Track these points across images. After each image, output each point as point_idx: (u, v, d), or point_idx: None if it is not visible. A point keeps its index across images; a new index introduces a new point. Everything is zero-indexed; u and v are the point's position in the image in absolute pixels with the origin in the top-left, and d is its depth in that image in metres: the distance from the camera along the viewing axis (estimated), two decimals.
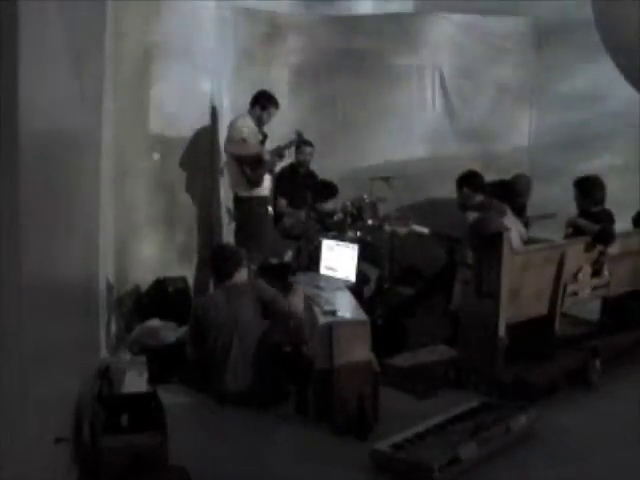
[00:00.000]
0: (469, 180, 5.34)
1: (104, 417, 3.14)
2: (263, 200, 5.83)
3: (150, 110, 5.27)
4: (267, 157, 5.63)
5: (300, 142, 6.34)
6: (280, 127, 5.95)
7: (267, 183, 5.80)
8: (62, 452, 2.71)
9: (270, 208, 6.04)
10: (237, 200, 5.77)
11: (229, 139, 5.56)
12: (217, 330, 4.21)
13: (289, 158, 6.36)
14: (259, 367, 4.18)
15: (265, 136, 5.74)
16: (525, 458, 3.58)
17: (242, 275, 4.45)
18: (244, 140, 5.54)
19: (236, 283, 4.37)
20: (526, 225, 5.41)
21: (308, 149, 6.41)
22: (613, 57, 5.37)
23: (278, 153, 5.80)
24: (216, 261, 4.53)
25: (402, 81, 7.00)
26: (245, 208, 5.72)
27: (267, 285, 4.42)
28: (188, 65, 5.60)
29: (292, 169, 6.51)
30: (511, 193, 5.74)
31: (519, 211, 5.61)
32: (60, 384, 2.77)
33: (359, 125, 6.98)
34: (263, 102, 5.67)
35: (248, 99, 5.72)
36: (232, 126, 5.61)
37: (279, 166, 6.23)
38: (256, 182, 5.63)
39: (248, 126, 5.63)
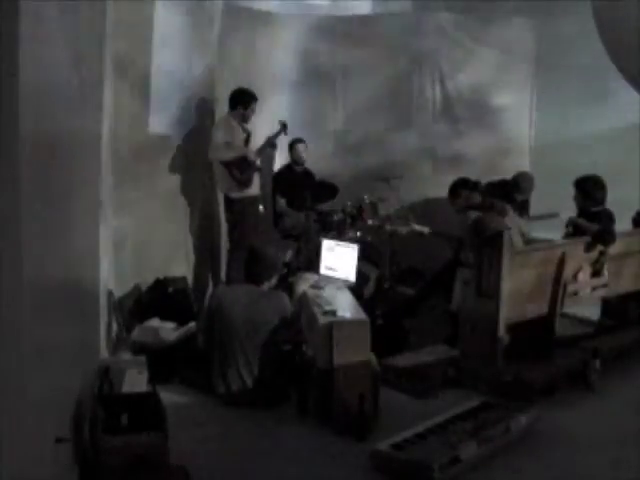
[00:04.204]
0: (465, 183, 5.41)
1: (104, 417, 3.13)
2: (254, 200, 5.85)
3: (150, 110, 5.26)
4: (252, 157, 5.64)
5: (294, 140, 6.37)
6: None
7: (256, 182, 5.81)
8: (62, 452, 2.71)
9: (262, 207, 6.06)
10: (228, 201, 5.78)
11: (212, 145, 5.57)
12: (228, 327, 4.21)
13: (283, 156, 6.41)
14: (262, 368, 4.18)
15: (249, 134, 5.75)
16: (525, 458, 3.58)
17: (272, 282, 4.48)
18: (228, 143, 5.54)
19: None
20: (528, 222, 5.42)
21: (301, 146, 6.43)
22: (614, 58, 5.37)
23: (270, 143, 5.83)
24: (253, 266, 4.49)
25: (402, 81, 7.00)
26: (237, 209, 5.73)
27: (288, 300, 4.41)
28: (189, 64, 5.60)
29: (289, 168, 6.52)
30: (513, 191, 5.75)
31: (521, 209, 5.61)
32: (60, 384, 2.77)
33: (359, 125, 6.99)
34: (244, 100, 5.70)
35: None
36: (215, 130, 5.62)
37: (277, 158, 6.27)
38: (246, 183, 5.65)
39: (231, 128, 5.64)
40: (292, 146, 6.44)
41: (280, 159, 6.68)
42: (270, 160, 6.65)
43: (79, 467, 2.99)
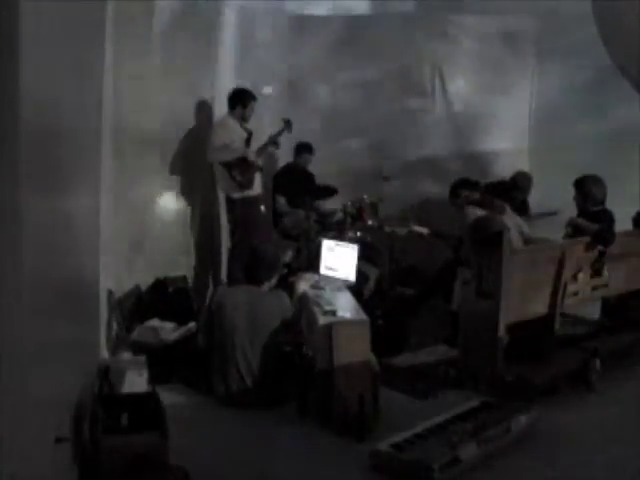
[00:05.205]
0: (466, 183, 5.42)
1: (104, 417, 3.13)
2: (255, 200, 5.84)
3: (151, 109, 5.26)
4: (252, 158, 5.63)
5: (302, 148, 6.37)
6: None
7: (258, 182, 5.80)
8: (62, 452, 2.71)
9: (263, 207, 6.05)
10: (229, 201, 5.77)
11: (211, 146, 5.55)
12: (229, 327, 4.20)
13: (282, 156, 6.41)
14: (262, 368, 4.18)
15: (250, 134, 5.74)
16: (525, 458, 3.57)
17: (272, 282, 4.45)
18: (227, 145, 5.53)
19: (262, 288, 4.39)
20: (528, 220, 5.42)
21: (308, 157, 6.43)
22: (614, 58, 5.37)
23: (272, 142, 5.81)
24: (253, 266, 4.47)
25: (402, 81, 7.00)
26: (238, 209, 5.73)
27: (288, 300, 4.40)
28: (190, 64, 5.60)
29: (289, 168, 6.52)
30: (511, 190, 5.75)
31: (520, 207, 5.61)
32: (60, 384, 2.77)
33: (359, 125, 6.99)
34: (243, 99, 5.68)
35: None
36: (213, 131, 5.60)
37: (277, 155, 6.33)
38: (246, 185, 5.64)
39: (230, 129, 5.63)
40: (299, 152, 6.42)
41: (284, 158, 6.66)
42: (273, 159, 6.64)
43: (79, 467, 2.99)
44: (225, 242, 6.07)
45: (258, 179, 5.79)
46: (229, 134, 5.61)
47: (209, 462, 3.46)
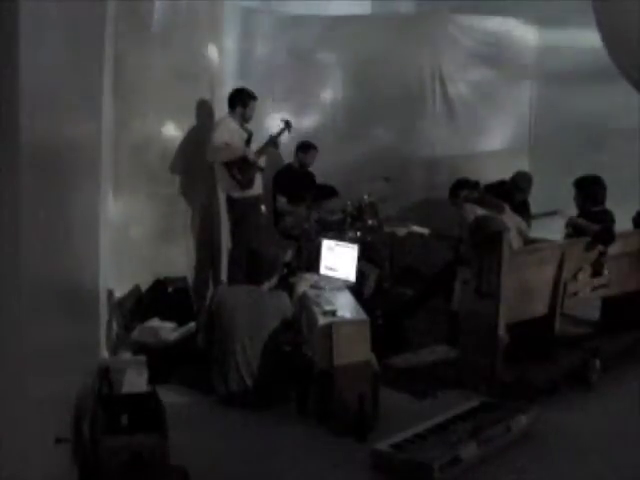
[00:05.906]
0: (466, 183, 5.42)
1: (104, 417, 3.13)
2: (256, 199, 5.85)
3: (150, 109, 5.26)
4: (252, 157, 5.63)
5: (307, 145, 6.37)
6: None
7: (258, 182, 5.80)
8: (62, 452, 2.71)
9: (263, 207, 6.05)
10: (230, 201, 5.77)
11: (210, 146, 5.54)
12: (229, 327, 4.21)
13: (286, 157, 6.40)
14: (262, 368, 4.19)
15: (250, 134, 5.74)
16: (525, 458, 3.58)
17: (272, 282, 4.46)
18: (227, 144, 5.53)
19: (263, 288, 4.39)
20: (528, 220, 5.42)
21: (314, 152, 6.43)
22: (613, 57, 5.37)
23: (272, 142, 5.81)
24: (253, 266, 4.47)
25: (402, 81, 7.00)
26: (238, 209, 5.73)
27: (288, 300, 4.39)
28: (188, 64, 5.60)
29: (290, 169, 6.52)
30: (511, 190, 5.75)
31: (520, 208, 5.62)
32: (60, 384, 2.77)
33: (359, 125, 6.99)
34: (243, 99, 5.68)
35: None
36: (213, 131, 5.60)
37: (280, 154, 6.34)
38: (247, 184, 5.64)
39: (230, 129, 5.63)
40: (305, 150, 6.42)
41: (288, 158, 6.66)
42: (276, 159, 6.63)
43: (79, 467, 2.99)
44: (225, 242, 6.07)
45: (258, 179, 5.79)
46: (229, 134, 5.61)
47: (209, 462, 3.46)
